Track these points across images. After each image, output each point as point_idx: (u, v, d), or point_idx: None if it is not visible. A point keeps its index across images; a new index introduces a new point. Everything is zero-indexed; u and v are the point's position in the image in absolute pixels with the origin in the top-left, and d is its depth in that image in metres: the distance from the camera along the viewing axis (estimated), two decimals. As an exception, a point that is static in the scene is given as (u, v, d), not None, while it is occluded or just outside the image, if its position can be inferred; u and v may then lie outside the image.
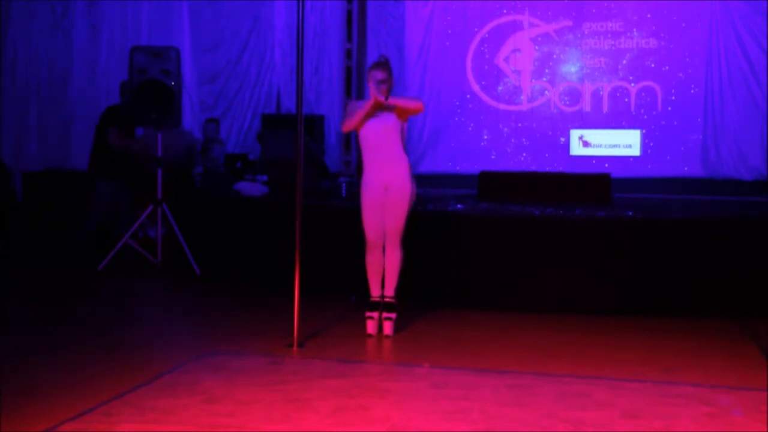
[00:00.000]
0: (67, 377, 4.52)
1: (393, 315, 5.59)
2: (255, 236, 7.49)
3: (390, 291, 5.60)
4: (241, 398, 4.16)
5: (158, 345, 5.34)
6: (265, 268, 7.28)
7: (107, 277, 7.69)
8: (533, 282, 6.45)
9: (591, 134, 11.57)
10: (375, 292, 5.63)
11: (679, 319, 6.10)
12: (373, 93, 5.49)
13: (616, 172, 9.14)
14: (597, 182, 8.10)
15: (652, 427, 3.86)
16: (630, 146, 11.44)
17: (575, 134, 11.60)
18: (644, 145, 11.38)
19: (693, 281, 6.28)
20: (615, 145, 11.51)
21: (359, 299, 6.02)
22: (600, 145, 11.56)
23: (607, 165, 10.96)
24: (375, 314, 5.62)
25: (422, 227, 6.75)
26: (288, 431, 3.77)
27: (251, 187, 8.11)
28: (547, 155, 11.52)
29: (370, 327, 5.62)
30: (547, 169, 11.03)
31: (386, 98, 5.50)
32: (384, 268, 5.60)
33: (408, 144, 11.75)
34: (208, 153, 9.91)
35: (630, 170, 10.93)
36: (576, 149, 11.58)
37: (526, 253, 6.49)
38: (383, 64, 5.60)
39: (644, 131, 11.38)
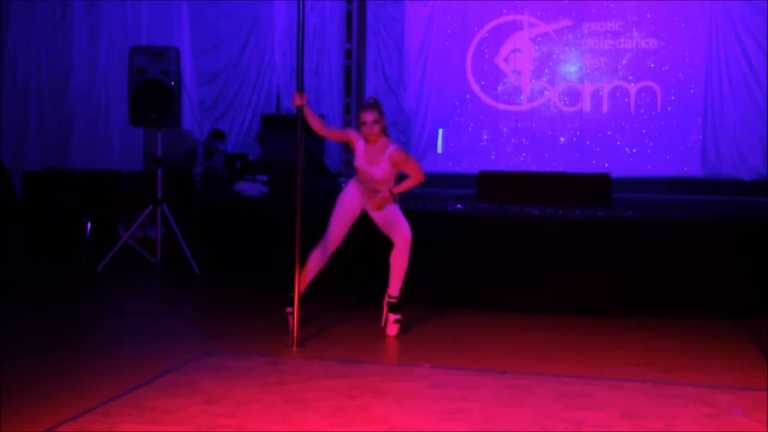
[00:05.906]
0: (67, 377, 4.52)
1: (399, 316, 5.58)
2: (255, 236, 7.48)
3: (396, 291, 5.57)
4: (240, 399, 4.16)
5: (157, 345, 5.33)
6: (265, 268, 7.28)
7: (107, 277, 7.69)
8: (533, 282, 6.45)
9: None
10: (302, 288, 5.44)
11: (679, 319, 6.10)
12: (361, 132, 5.44)
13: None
14: (597, 182, 8.09)
15: (652, 427, 3.86)
16: None
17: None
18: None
19: (693, 281, 6.28)
20: None
21: (359, 299, 6.02)
22: None
23: (607, 165, 10.96)
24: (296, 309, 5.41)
25: (422, 227, 6.75)
26: (288, 431, 3.77)
27: (251, 187, 8.11)
28: (546, 155, 11.51)
29: (290, 323, 5.45)
30: (547, 169, 11.02)
31: (376, 140, 5.44)
32: (391, 267, 5.55)
33: (408, 144, 11.88)
34: (210, 161, 9.93)
35: (630, 170, 10.91)
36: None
37: (525, 253, 6.48)
38: (372, 105, 5.52)
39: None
